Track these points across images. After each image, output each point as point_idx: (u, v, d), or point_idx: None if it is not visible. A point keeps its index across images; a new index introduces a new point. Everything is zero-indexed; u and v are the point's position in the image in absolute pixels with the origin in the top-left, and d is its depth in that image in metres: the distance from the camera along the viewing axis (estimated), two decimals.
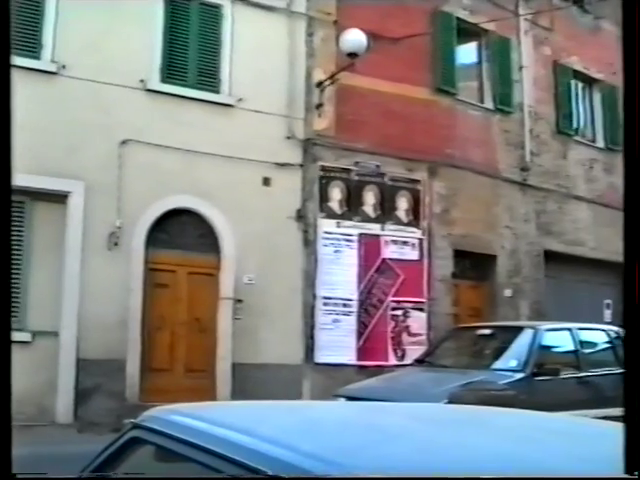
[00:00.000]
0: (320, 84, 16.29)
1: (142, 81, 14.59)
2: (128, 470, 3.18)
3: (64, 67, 13.92)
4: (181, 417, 2.76)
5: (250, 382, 14.41)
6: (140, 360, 14.07)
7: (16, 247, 13.44)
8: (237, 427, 2.38)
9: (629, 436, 1.59)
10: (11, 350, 1.70)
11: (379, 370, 14.04)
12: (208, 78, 15.43)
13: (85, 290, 13.62)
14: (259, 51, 15.72)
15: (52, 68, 13.89)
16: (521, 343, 11.24)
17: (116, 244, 13.92)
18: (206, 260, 14.90)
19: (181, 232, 14.82)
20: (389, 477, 1.83)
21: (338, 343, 15.82)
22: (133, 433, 3.04)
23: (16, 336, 13.16)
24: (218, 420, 2.55)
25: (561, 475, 1.87)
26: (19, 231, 13.50)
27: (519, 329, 12.00)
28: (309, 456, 1.98)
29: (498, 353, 11.67)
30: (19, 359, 12.72)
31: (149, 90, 14.68)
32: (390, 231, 16.79)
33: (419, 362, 12.59)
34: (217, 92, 15.39)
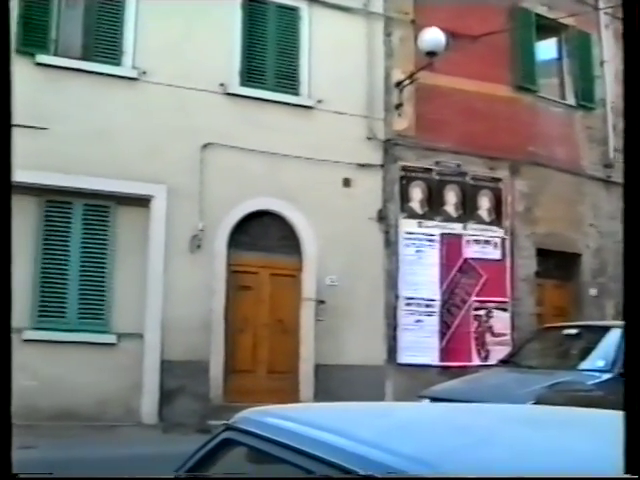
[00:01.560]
0: (399, 84, 16.22)
1: (222, 85, 14.72)
2: (221, 472, 3.18)
3: (145, 73, 14.13)
4: (274, 419, 2.75)
5: (333, 383, 14.39)
6: (224, 361, 14.23)
7: (100, 251, 13.73)
8: (332, 429, 2.36)
9: (629, 436, 1.62)
10: (11, 351, 1.70)
11: (462, 371, 13.87)
12: (287, 80, 15.48)
13: (169, 292, 13.82)
14: (337, 52, 15.70)
15: (133, 74, 14.12)
16: (609, 343, 10.98)
17: (199, 247, 14.09)
18: (288, 262, 14.96)
19: (263, 234, 14.91)
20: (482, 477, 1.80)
21: (421, 344, 15.72)
22: (226, 435, 3.04)
23: (101, 338, 13.44)
24: (312, 422, 2.53)
25: (562, 475, 1.82)
26: (104, 235, 13.78)
27: (606, 329, 11.73)
28: (411, 459, 1.95)
29: (585, 353, 11.44)
30: (105, 361, 13.06)
31: (229, 94, 14.81)
32: (472, 230, 16.62)
33: (504, 363, 12.42)
34: (296, 94, 15.43)
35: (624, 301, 1.64)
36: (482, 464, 1.89)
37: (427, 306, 15.88)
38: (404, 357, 15.56)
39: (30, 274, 13.26)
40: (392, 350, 15.51)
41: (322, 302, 14.86)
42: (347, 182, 15.41)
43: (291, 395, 14.11)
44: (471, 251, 16.55)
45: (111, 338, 13.53)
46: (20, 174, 13.03)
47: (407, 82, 16.17)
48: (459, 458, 1.97)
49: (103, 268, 13.70)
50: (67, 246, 13.54)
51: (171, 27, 14.33)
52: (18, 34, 13.49)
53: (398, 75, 16.29)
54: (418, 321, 15.77)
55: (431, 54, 15.34)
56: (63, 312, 13.45)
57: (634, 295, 1.65)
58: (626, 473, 1.61)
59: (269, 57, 15.44)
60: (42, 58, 13.63)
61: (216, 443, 3.09)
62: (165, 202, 13.97)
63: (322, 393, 14.29)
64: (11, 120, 1.71)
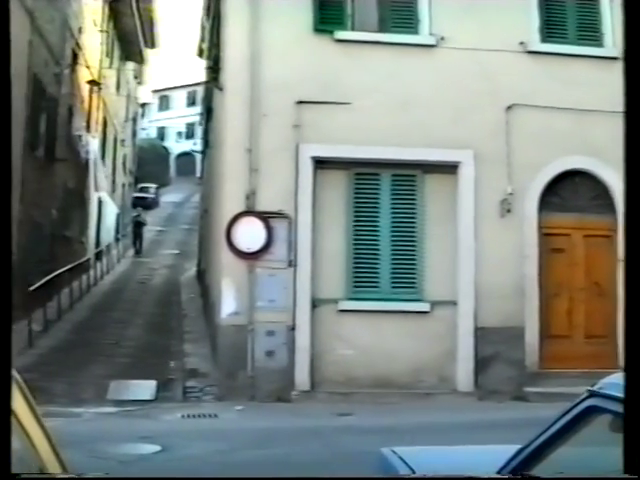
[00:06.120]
0: None
1: (522, 43, 14.30)
2: (584, 440, 3.00)
3: (443, 39, 14.03)
4: None
5: None
6: (538, 327, 13.93)
7: (409, 220, 13.89)
8: None
9: (629, 436, 1.68)
10: (11, 351, 1.67)
11: None
12: (589, 32, 14.75)
13: (480, 259, 13.73)
14: None
15: (431, 41, 14.06)
16: None
17: (509, 211, 13.85)
18: (602, 222, 14.29)
19: (574, 194, 14.38)
20: None
21: None
22: (589, 402, 2.89)
23: (415, 307, 13.59)
24: None
25: (562, 475, 1.80)
26: (412, 204, 13.92)
27: None
28: None
29: None
30: (418, 329, 13.22)
31: (530, 52, 14.35)
32: None
33: None
34: (600, 46, 14.65)
35: (625, 301, 1.71)
36: None
37: None
38: None
39: (344, 246, 13.66)
40: None
41: None
42: None
43: (610, 361, 13.50)
44: None
45: (424, 306, 13.64)
46: (329, 149, 13.36)
47: None
48: None
49: (413, 237, 13.82)
50: (377, 217, 13.77)
51: None
52: (315, 13, 13.83)
53: None
54: None
55: None
56: (376, 282, 13.71)
57: (634, 295, 1.69)
58: (626, 473, 1.65)
59: (568, 9, 14.78)
60: (340, 34, 13.90)
61: (579, 411, 2.93)
62: (472, 167, 13.85)
63: None
64: (10, 119, 1.62)
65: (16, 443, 2.70)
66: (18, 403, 2.69)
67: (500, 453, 3.39)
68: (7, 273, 1.68)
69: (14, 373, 2.70)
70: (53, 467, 2.85)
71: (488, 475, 3.12)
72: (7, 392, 1.67)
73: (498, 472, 3.19)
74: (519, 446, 3.30)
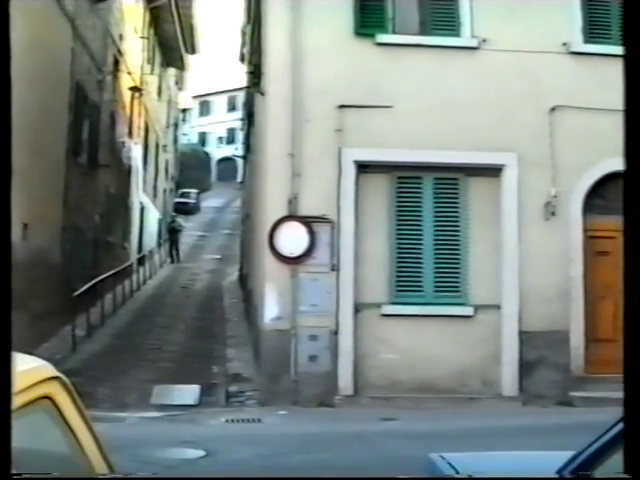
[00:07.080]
0: None
1: (565, 44, 14.13)
2: None
3: (484, 41, 13.93)
4: None
5: None
6: (584, 331, 13.77)
7: (452, 223, 13.80)
8: None
9: (629, 436, 1.62)
10: (11, 351, 1.64)
11: None
12: None
13: (524, 262, 13.59)
14: None
15: (473, 43, 13.97)
16: None
17: (553, 213, 13.70)
18: None
19: (619, 197, 13.95)
20: None
21: None
22: None
23: (458, 311, 13.51)
24: None
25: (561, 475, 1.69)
26: (455, 207, 13.83)
27: None
28: None
29: None
30: (462, 333, 13.10)
31: (573, 52, 14.18)
32: None
33: None
34: None
35: (624, 301, 1.67)
36: None
37: None
38: None
39: (387, 250, 13.62)
40: None
41: None
42: None
43: None
44: None
45: (468, 310, 13.55)
46: (371, 153, 13.29)
47: None
48: None
49: (456, 241, 13.73)
50: (419, 221, 13.70)
51: None
52: (356, 17, 13.81)
53: None
54: None
55: None
56: (419, 286, 13.64)
57: (634, 295, 1.63)
58: (626, 473, 1.61)
59: (612, 9, 14.51)
60: (382, 38, 13.87)
61: None
62: (516, 170, 13.73)
63: None
64: (11, 119, 1.64)
65: (64, 446, 2.71)
66: (66, 406, 2.69)
67: (552, 458, 3.32)
68: (7, 272, 1.68)
69: (63, 377, 2.70)
70: (101, 469, 2.85)
71: (547, 475, 3.08)
72: (7, 391, 1.66)
73: (557, 472, 3.14)
74: (570, 452, 3.24)
